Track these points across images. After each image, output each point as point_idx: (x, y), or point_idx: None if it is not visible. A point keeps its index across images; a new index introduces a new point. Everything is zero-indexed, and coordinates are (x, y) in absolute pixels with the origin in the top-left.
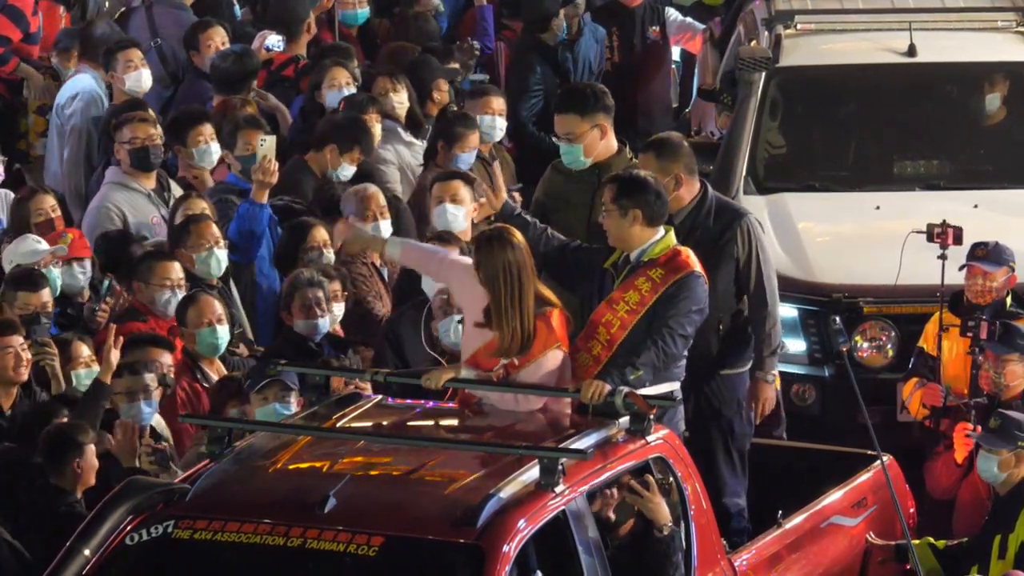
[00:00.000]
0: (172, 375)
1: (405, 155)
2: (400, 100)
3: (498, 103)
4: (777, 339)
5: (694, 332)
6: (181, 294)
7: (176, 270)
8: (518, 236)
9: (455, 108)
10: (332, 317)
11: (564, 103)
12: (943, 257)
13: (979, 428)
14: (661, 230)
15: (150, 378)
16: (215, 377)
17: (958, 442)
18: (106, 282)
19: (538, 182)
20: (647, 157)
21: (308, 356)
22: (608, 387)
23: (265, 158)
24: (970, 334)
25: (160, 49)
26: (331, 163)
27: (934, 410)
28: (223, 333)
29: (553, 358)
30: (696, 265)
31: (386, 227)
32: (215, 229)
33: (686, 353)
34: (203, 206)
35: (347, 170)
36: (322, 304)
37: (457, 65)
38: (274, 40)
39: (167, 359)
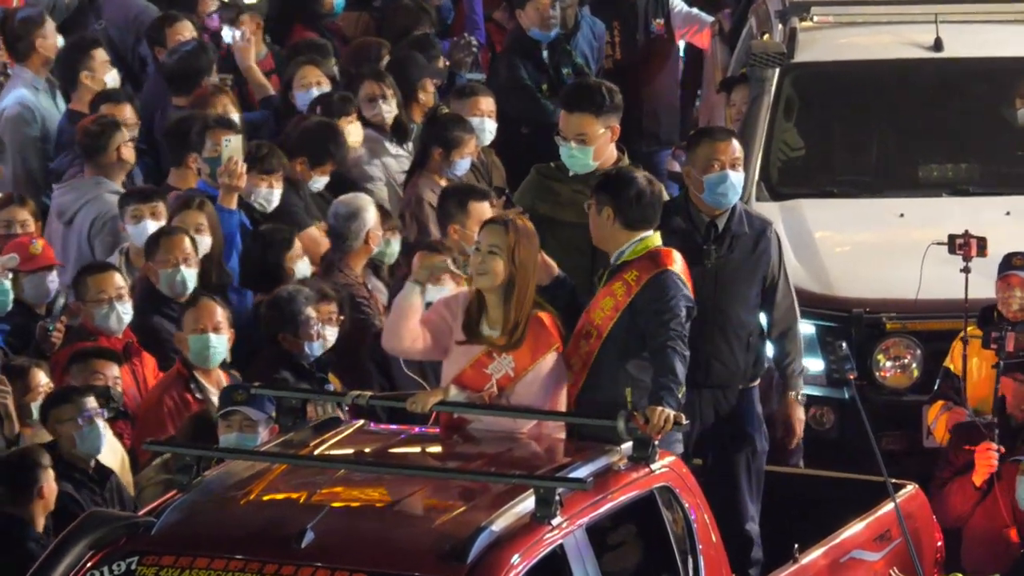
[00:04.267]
0: (120, 388)
1: (392, 168)
2: (389, 108)
3: (487, 103)
4: (802, 355)
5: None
6: (122, 306)
7: (113, 282)
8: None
9: (445, 110)
10: (323, 342)
11: (576, 101)
12: (966, 270)
13: (1003, 448)
14: (647, 234)
15: (92, 401)
16: (212, 389)
17: (980, 463)
18: (60, 300)
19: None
20: (735, 145)
21: (302, 377)
22: (671, 411)
23: (231, 159)
24: (994, 346)
25: (106, 32)
26: (302, 176)
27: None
28: (217, 342)
29: (550, 361)
30: (672, 264)
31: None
32: (187, 244)
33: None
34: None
35: (319, 182)
36: (315, 323)
37: (442, 64)
38: (230, 34)
39: (114, 371)
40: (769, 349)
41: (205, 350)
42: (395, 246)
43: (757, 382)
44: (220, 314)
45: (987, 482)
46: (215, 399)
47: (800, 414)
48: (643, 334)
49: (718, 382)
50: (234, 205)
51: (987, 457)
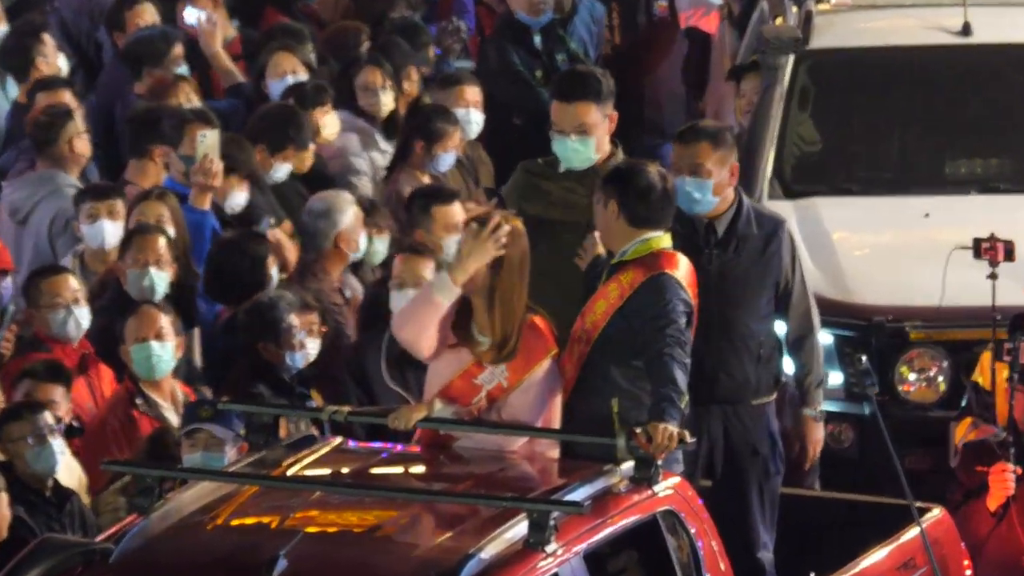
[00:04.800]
0: (63, 413)
1: (379, 163)
2: (387, 99)
3: (473, 93)
4: (822, 367)
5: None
6: (79, 311)
7: (69, 285)
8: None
9: (428, 100)
10: (305, 354)
11: (575, 89)
12: (993, 276)
13: (1019, 469)
14: (655, 234)
15: (47, 417)
16: (164, 404)
17: (995, 485)
18: (10, 307)
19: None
20: (701, 147)
21: (281, 392)
22: (675, 428)
23: (206, 156)
24: (1008, 358)
25: (58, 15)
26: (263, 164)
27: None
28: (159, 350)
29: (545, 368)
30: (672, 267)
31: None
32: (160, 245)
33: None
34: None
35: (280, 170)
36: (298, 331)
37: (432, 53)
38: (194, 15)
39: (58, 394)
40: (788, 361)
41: (148, 360)
42: (379, 245)
43: (772, 397)
44: (163, 320)
45: (1003, 506)
46: (168, 414)
47: (817, 434)
48: (635, 340)
49: (726, 398)
50: (207, 206)
51: (1002, 479)
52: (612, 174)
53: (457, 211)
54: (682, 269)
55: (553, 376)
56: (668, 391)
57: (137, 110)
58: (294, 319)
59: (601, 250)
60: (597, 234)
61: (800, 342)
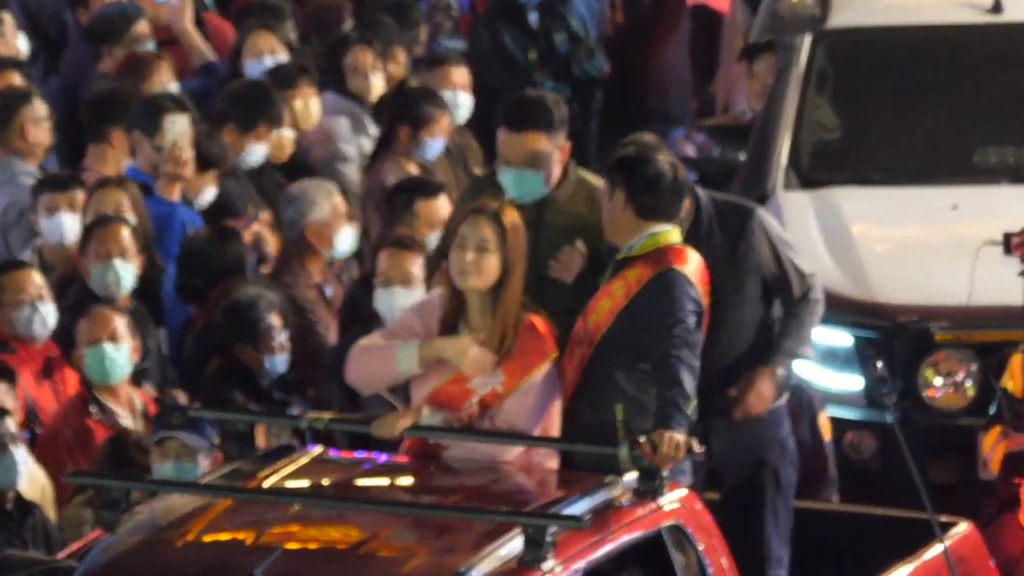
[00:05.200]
0: (12, 416)
1: (367, 150)
2: (377, 83)
3: (460, 75)
4: (806, 343)
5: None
6: (45, 308)
7: (33, 281)
8: None
9: (413, 82)
10: (285, 357)
11: (524, 118)
12: None
13: None
14: (664, 228)
15: (11, 422)
16: (120, 411)
17: None
18: None
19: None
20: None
21: (259, 399)
22: (682, 436)
23: (175, 144)
24: None
25: None
26: (233, 147)
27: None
28: (113, 353)
29: (544, 372)
30: (682, 263)
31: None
32: (124, 236)
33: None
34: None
35: (255, 152)
36: (278, 333)
37: (423, 30)
38: None
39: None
40: (799, 364)
41: (101, 363)
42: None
43: (780, 403)
44: (118, 321)
45: None
46: (126, 423)
47: (762, 386)
48: (641, 341)
49: (725, 408)
50: (176, 196)
51: None
52: (619, 162)
53: (443, 206)
54: (692, 265)
55: (552, 381)
56: (674, 395)
57: (98, 92)
58: (275, 319)
59: (582, 251)
60: (579, 243)
61: (788, 314)
